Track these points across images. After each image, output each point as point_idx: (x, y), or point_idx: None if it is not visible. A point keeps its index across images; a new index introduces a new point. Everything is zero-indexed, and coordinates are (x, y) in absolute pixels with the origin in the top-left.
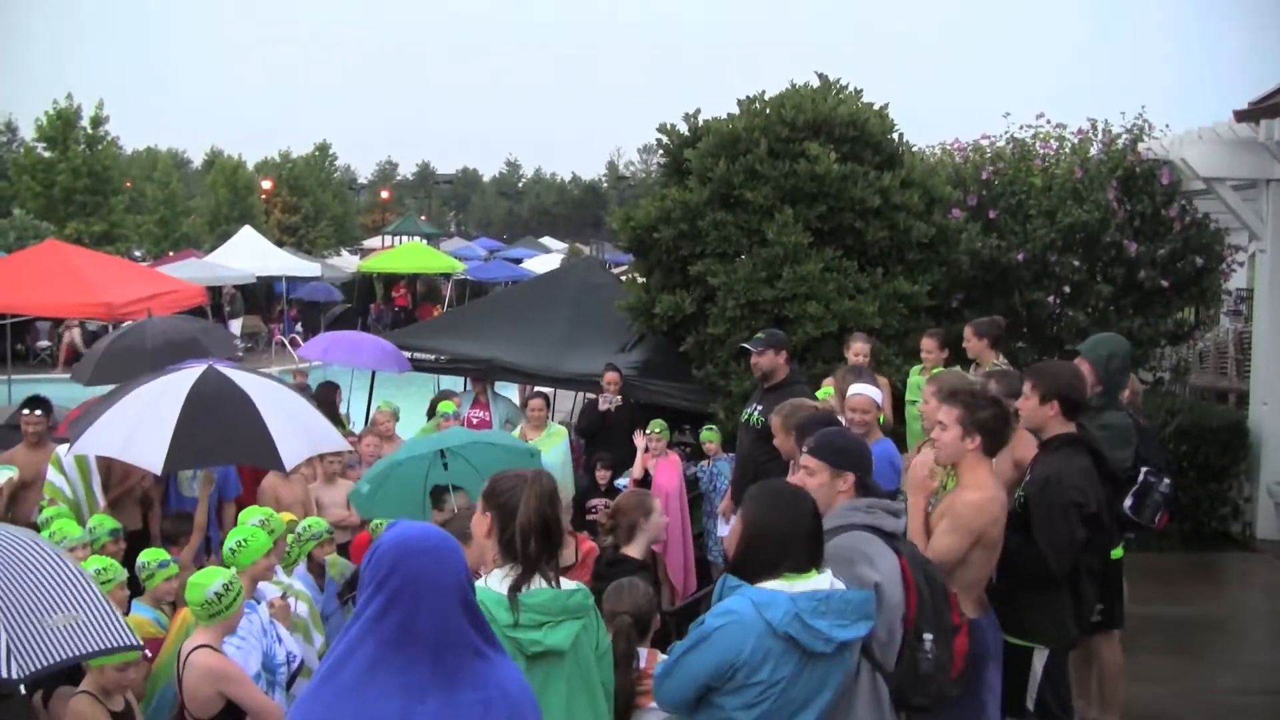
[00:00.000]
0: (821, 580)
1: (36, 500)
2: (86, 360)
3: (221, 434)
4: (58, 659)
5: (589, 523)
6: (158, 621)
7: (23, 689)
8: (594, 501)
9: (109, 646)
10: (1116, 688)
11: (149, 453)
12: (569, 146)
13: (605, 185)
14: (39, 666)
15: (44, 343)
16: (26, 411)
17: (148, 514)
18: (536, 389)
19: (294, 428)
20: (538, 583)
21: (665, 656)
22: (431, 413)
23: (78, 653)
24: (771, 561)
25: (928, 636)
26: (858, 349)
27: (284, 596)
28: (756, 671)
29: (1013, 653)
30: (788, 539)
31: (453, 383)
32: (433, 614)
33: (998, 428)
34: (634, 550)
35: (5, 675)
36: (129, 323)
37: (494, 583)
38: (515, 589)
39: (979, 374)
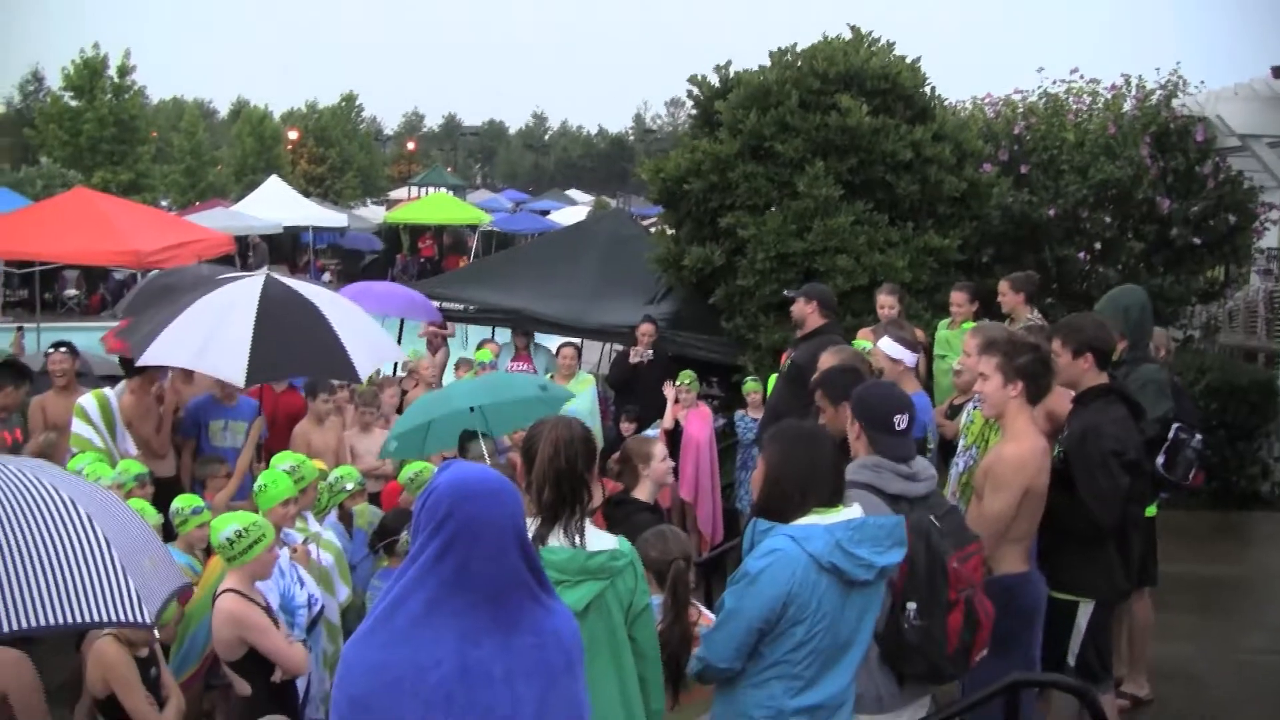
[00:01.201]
0: (853, 510)
1: (66, 448)
2: (130, 293)
3: (297, 346)
4: (163, 599)
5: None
6: (191, 567)
7: None
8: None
9: (183, 584)
10: (1146, 645)
11: (228, 365)
12: (595, 99)
13: (631, 138)
14: (155, 609)
15: (72, 291)
16: (52, 350)
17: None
18: (567, 339)
19: (360, 338)
20: (558, 537)
21: (701, 606)
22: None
23: (169, 591)
24: (797, 500)
25: (911, 605)
26: (882, 301)
27: (306, 542)
28: (806, 606)
29: (1056, 608)
30: (810, 476)
31: (481, 332)
32: (490, 557)
33: (1038, 371)
34: (641, 493)
35: (143, 620)
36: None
37: None
38: (539, 543)
39: (1014, 329)
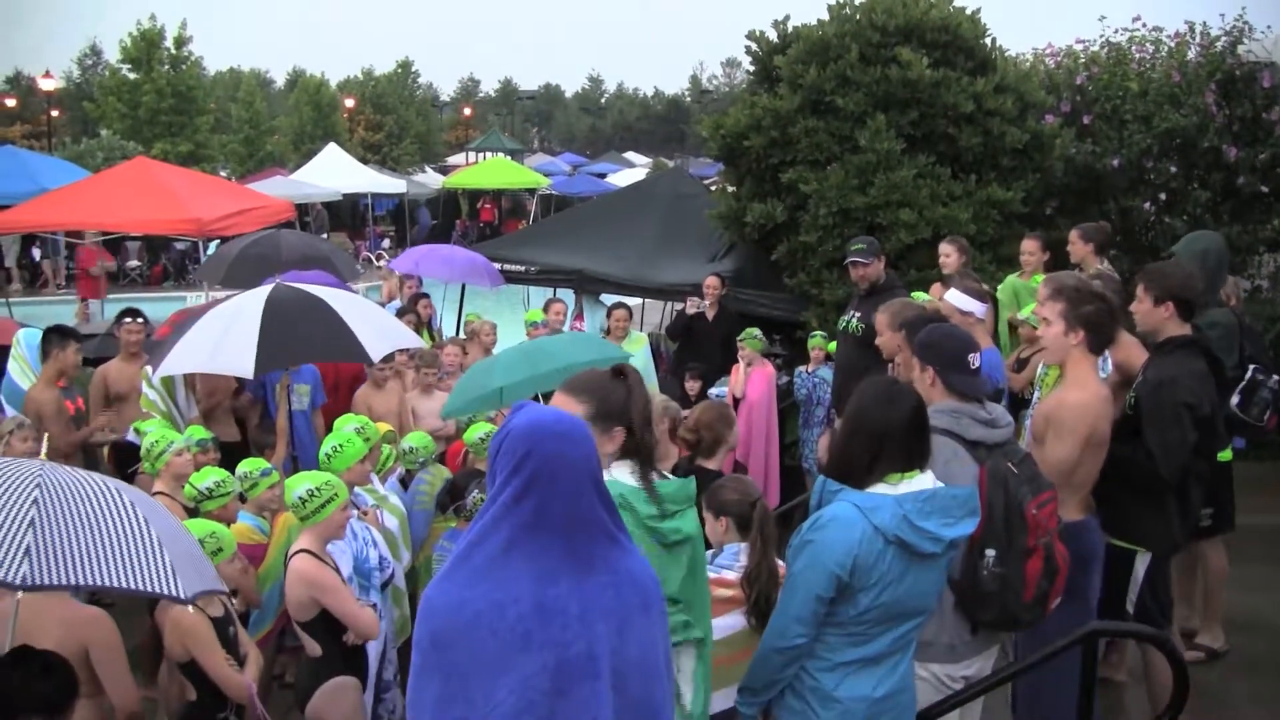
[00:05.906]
0: (924, 479)
1: (134, 413)
2: (218, 260)
3: (305, 334)
4: (200, 589)
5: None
6: (260, 529)
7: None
8: (684, 413)
9: (218, 589)
10: (1220, 595)
11: (237, 360)
12: (651, 61)
13: (688, 99)
14: (194, 590)
15: (134, 262)
16: (129, 320)
17: (245, 427)
18: (619, 300)
19: (372, 326)
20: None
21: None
22: None
23: (204, 587)
24: (868, 460)
25: (990, 552)
26: (943, 250)
27: (375, 507)
28: (868, 576)
29: (1115, 555)
30: (884, 433)
31: (542, 294)
32: (567, 498)
33: (1101, 321)
34: (714, 463)
35: (178, 593)
36: (260, 232)
37: (622, 476)
38: (648, 481)
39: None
